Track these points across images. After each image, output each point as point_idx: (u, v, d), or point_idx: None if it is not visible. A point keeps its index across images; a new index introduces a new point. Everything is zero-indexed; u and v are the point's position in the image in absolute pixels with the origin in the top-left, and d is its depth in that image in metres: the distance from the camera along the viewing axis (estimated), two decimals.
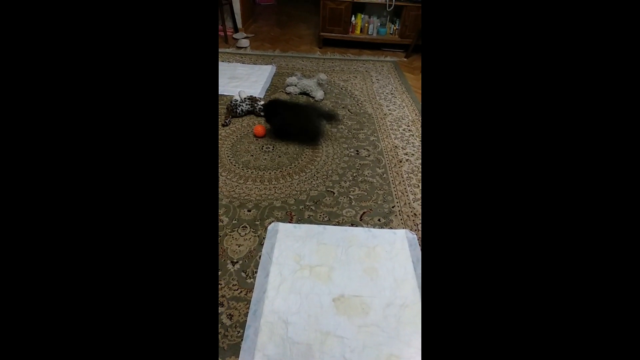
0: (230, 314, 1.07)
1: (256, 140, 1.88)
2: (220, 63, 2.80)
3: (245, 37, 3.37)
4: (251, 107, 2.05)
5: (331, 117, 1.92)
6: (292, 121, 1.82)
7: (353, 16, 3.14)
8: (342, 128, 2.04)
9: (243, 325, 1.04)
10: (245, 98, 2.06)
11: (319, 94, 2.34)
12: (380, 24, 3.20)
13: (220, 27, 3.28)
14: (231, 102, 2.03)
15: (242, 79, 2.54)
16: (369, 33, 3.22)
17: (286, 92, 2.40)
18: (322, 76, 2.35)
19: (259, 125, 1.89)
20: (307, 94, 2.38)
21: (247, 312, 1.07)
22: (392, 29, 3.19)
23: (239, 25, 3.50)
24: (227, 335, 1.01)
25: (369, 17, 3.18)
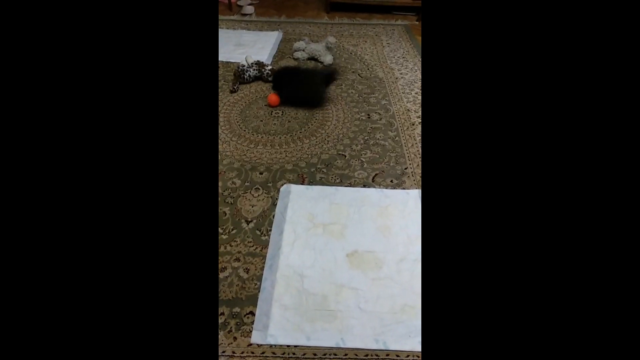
0: (247, 268, 1.09)
1: (266, 106, 1.85)
2: (225, 30, 2.72)
3: (249, 4, 3.24)
4: (259, 72, 2.00)
5: (332, 77, 1.91)
6: (298, 88, 1.81)
7: None
8: (352, 92, 1.99)
9: (259, 278, 1.07)
10: (252, 63, 2.00)
11: (327, 58, 2.26)
12: None
13: None
14: (238, 68, 1.98)
15: (248, 46, 2.47)
16: None
17: (294, 58, 2.33)
18: (331, 39, 2.26)
19: (273, 94, 1.85)
20: (316, 59, 2.31)
21: (263, 267, 1.10)
22: None
23: None
24: (244, 287, 1.04)
25: None
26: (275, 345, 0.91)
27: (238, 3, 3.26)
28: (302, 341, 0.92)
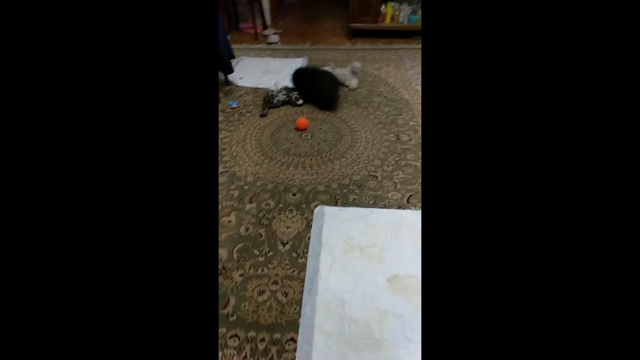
0: (285, 292, 1.07)
1: (295, 129, 1.89)
2: (252, 58, 2.86)
3: (274, 33, 3.41)
4: (287, 97, 2.06)
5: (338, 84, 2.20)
6: (314, 85, 2.05)
7: (383, 5, 3.08)
8: (379, 114, 2.01)
9: (299, 302, 1.04)
10: (281, 88, 2.08)
11: (353, 82, 2.31)
12: (412, 11, 3.12)
13: (250, 24, 3.35)
14: (268, 93, 2.06)
15: (275, 72, 2.57)
16: (400, 21, 3.15)
17: None
18: (357, 64, 2.32)
19: (302, 118, 1.89)
20: (342, 84, 2.36)
21: (302, 290, 1.07)
22: None
23: (268, 22, 3.55)
24: (284, 312, 1.02)
25: (399, 5, 3.11)
26: None
27: (263, 33, 3.45)
28: None
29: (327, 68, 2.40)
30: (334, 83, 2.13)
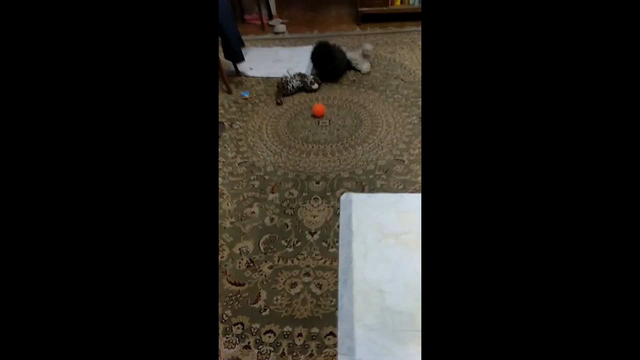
0: (319, 284, 1.01)
1: (311, 116, 1.81)
2: (260, 48, 2.78)
3: (281, 23, 3.32)
4: (301, 82, 1.98)
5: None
6: (330, 63, 2.04)
7: None
8: (398, 97, 1.91)
9: (334, 294, 0.97)
10: (294, 74, 2.00)
11: (365, 66, 2.22)
12: None
13: (256, 15, 3.26)
14: (282, 80, 1.98)
15: (285, 61, 2.49)
16: (410, 3, 3.03)
17: None
18: (368, 46, 2.22)
19: (318, 104, 1.81)
20: (353, 68, 2.27)
21: (336, 282, 1.00)
22: None
23: (273, 12, 3.45)
24: (319, 305, 0.95)
25: None
26: None
27: (269, 23, 3.36)
28: None
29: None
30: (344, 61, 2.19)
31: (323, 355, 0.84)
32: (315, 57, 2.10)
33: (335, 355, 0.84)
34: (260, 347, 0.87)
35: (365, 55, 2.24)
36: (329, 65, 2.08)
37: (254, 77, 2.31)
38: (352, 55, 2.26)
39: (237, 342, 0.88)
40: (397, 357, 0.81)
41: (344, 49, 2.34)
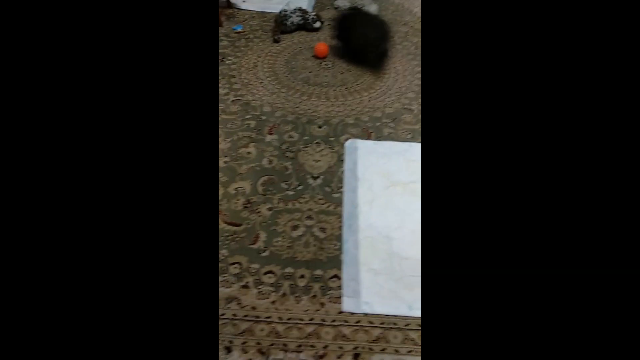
0: (322, 227, 0.95)
1: (313, 57, 1.64)
2: None
3: None
4: (302, 19, 1.77)
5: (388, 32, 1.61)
6: (368, 39, 1.52)
7: None
8: (407, 44, 1.77)
9: (338, 238, 0.92)
10: (295, 9, 1.78)
11: (372, 8, 2.01)
12: None
13: None
14: (280, 14, 1.76)
15: None
16: None
17: (335, 7, 2.08)
18: None
19: (321, 44, 1.63)
20: (360, 9, 2.06)
21: (341, 226, 0.95)
22: None
23: None
24: (323, 248, 0.90)
25: None
26: (371, 314, 0.77)
27: None
28: (403, 310, 0.78)
29: None
30: (383, 33, 1.56)
31: (327, 297, 0.80)
32: (337, 31, 1.60)
33: (339, 297, 0.80)
34: (259, 287, 0.82)
35: None
36: (348, 44, 1.58)
37: (247, 10, 2.05)
38: None
39: (235, 281, 0.83)
40: (405, 301, 0.79)
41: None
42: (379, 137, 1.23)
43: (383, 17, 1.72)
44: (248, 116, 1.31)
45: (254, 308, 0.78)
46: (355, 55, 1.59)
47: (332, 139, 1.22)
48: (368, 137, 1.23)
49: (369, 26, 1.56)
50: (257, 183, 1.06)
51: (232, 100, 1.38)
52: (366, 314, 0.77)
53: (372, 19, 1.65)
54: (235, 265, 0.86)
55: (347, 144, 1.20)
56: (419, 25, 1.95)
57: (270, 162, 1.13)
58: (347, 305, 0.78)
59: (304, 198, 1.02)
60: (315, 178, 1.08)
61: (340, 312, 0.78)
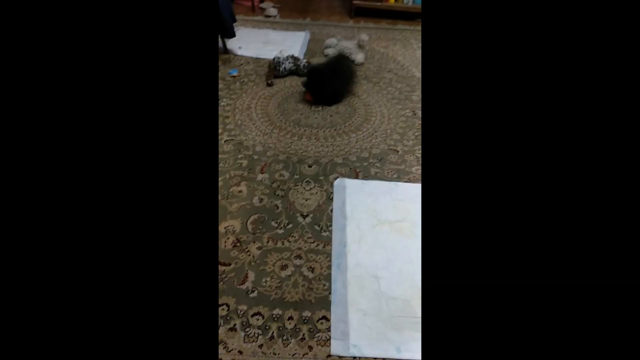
0: (311, 267, 0.95)
1: (304, 100, 1.74)
2: (251, 29, 2.65)
3: (273, 7, 3.20)
4: (294, 65, 1.91)
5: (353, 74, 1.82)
6: (336, 84, 1.70)
7: None
8: (391, 90, 1.90)
9: (327, 278, 0.92)
10: (287, 56, 1.92)
11: (359, 57, 2.19)
12: None
13: None
14: (274, 60, 1.90)
15: (276, 44, 2.39)
16: (405, 2, 3.05)
17: (325, 55, 2.25)
18: (364, 36, 2.19)
19: None
20: (347, 57, 2.23)
21: (330, 265, 0.96)
22: None
23: None
24: (311, 288, 0.90)
25: None
26: (360, 358, 0.76)
27: (260, 6, 3.23)
28: (391, 353, 0.77)
29: (332, 40, 2.26)
30: (351, 76, 1.78)
31: (315, 339, 0.79)
32: (308, 85, 1.72)
33: (328, 339, 0.79)
34: (247, 329, 0.80)
35: (360, 46, 2.21)
36: (324, 94, 1.70)
37: (242, 56, 2.20)
38: (347, 44, 2.22)
39: (222, 324, 0.81)
40: (393, 343, 0.78)
41: (336, 40, 2.21)
42: (366, 177, 1.29)
43: (350, 65, 1.88)
44: (240, 155, 1.35)
45: (240, 352, 0.76)
46: (324, 101, 1.73)
47: (321, 177, 1.27)
48: (356, 177, 1.28)
49: (335, 77, 1.70)
50: (247, 221, 1.08)
51: (226, 140, 1.43)
52: (355, 358, 0.76)
53: (339, 69, 1.76)
54: (223, 307, 0.85)
55: (336, 182, 1.24)
56: (402, 73, 2.12)
57: (261, 200, 1.16)
58: (336, 348, 0.77)
59: (293, 237, 1.04)
60: (304, 216, 1.11)
61: (329, 356, 0.76)
